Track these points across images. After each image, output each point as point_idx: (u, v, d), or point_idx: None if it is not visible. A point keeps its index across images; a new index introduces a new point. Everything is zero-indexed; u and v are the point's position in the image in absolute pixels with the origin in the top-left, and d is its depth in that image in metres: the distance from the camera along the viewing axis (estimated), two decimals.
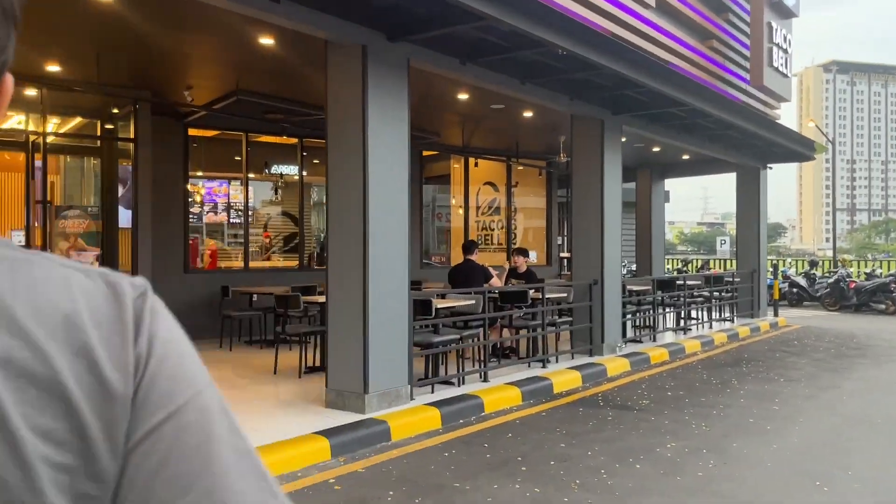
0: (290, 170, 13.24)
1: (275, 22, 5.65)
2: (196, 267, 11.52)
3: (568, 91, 8.83)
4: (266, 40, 7.00)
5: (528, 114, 10.95)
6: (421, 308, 6.85)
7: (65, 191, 10.71)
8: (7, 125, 9.87)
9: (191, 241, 12.14)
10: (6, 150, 9.47)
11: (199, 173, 13.42)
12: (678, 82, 8.83)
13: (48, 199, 8.11)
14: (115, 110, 6.90)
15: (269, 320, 10.56)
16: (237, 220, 18.01)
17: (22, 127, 8.85)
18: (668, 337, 11.85)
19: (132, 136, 9.06)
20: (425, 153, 14.43)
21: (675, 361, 10.16)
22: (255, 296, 10.63)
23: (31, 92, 8.40)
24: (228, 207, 17.27)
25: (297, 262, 12.82)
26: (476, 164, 15.36)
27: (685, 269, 25.95)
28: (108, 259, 9.89)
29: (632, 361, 9.53)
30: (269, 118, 10.64)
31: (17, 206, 9.67)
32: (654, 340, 11.25)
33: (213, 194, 17.20)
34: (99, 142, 10.30)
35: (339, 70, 6.38)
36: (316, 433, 5.51)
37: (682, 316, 12.74)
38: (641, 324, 12.00)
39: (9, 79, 0.60)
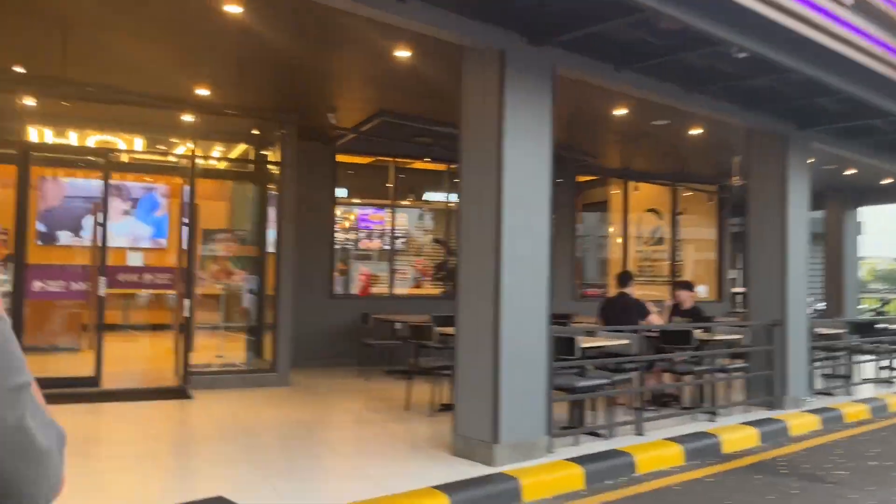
0: (439, 196, 12.88)
1: (402, 25, 5.15)
2: (343, 292, 11.35)
3: (743, 101, 7.65)
4: (403, 53, 6.56)
5: (695, 130, 9.78)
6: (564, 346, 6.00)
7: (215, 214, 10.99)
8: (162, 150, 10.26)
9: (340, 266, 12.08)
10: (163, 175, 9.84)
11: (356, 200, 13.48)
12: (887, 87, 7.36)
13: (196, 222, 8.16)
14: (256, 131, 6.82)
15: (409, 350, 10.11)
16: (389, 248, 17.99)
17: (180, 151, 9.14)
18: (867, 390, 10.01)
19: (279, 159, 9.01)
20: (581, 178, 13.53)
21: (878, 421, 8.46)
22: (397, 324, 10.24)
23: (186, 117, 8.60)
24: (382, 234, 17.32)
25: (443, 290, 12.33)
26: (637, 190, 14.21)
27: (884, 310, 22.78)
28: (255, 282, 9.92)
29: (822, 419, 8.00)
30: (416, 142, 10.30)
31: (173, 229, 10.01)
32: (850, 394, 9.52)
33: (367, 220, 17.33)
34: (250, 166, 10.45)
35: (474, 79, 5.77)
36: (435, 487, 4.81)
37: (885, 366, 10.79)
38: (833, 374, 10.27)
39: None
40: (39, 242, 14.23)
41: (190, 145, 8.67)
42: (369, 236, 17.41)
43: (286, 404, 7.85)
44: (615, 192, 14.33)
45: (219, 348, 9.72)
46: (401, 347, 9.98)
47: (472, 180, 5.78)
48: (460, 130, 5.88)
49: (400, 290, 12.12)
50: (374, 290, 13.27)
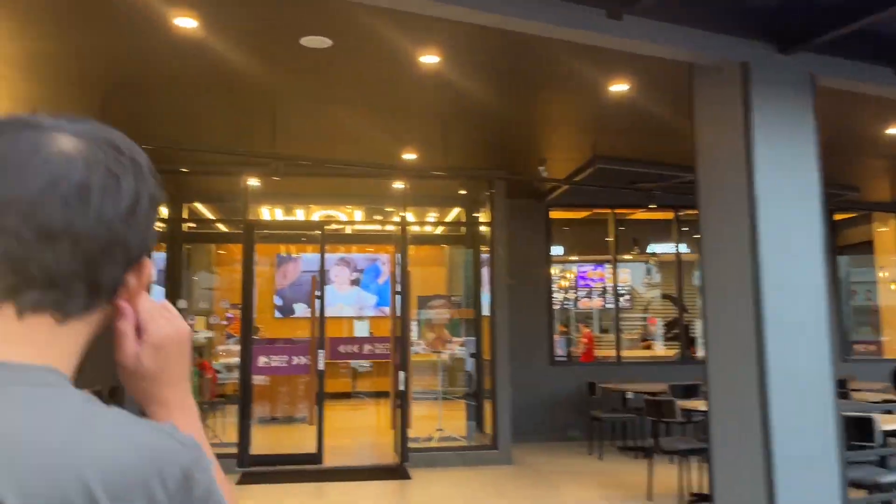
0: (666, 247, 11.66)
1: (616, 46, 4.37)
2: (565, 357, 10.51)
3: None
4: (619, 87, 5.77)
5: None
6: (856, 429, 4.63)
7: (429, 280, 10.78)
8: (376, 219, 10.27)
9: (560, 329, 11.27)
10: (378, 244, 9.78)
11: (573, 257, 12.73)
12: None
13: (407, 289, 7.86)
14: (464, 192, 6.40)
15: (644, 424, 8.94)
16: (613, 306, 16.81)
17: (394, 219, 9.04)
18: None
19: (489, 220, 8.53)
20: (837, 217, 11.57)
21: None
22: (628, 394, 9.16)
23: (396, 184, 8.48)
24: (604, 291, 16.25)
25: (678, 352, 10.98)
26: None
27: None
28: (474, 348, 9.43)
29: None
30: (637, 188, 9.34)
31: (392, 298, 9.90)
32: None
33: (585, 277, 16.37)
34: (461, 228, 10.11)
35: (709, 103, 4.80)
36: None
37: None
38: None
39: (148, 263, 0.71)
40: (278, 315, 15.15)
41: (401, 212, 8.50)
42: (589, 294, 16.40)
43: (511, 489, 7.08)
44: (882, 229, 12.08)
45: (437, 420, 9.28)
46: (635, 421, 8.84)
47: (715, 225, 4.75)
48: (696, 167, 4.91)
49: (628, 353, 11.01)
50: (598, 352, 12.28)
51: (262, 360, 7.83)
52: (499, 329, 8.41)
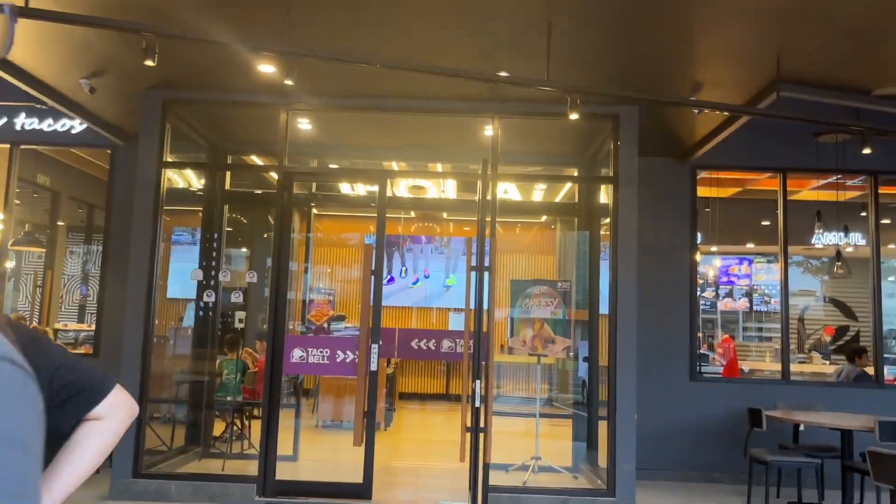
0: (832, 238, 8.77)
1: None
2: (710, 372, 7.97)
3: None
4: None
5: None
6: None
7: (529, 266, 8.54)
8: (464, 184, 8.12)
9: (719, 343, 8.74)
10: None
11: (730, 247, 10.18)
12: None
13: (491, 275, 5.64)
14: (574, 115, 4.11)
15: (831, 470, 6.35)
16: (762, 308, 13.87)
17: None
18: None
19: (611, 174, 6.16)
20: None
21: None
22: (801, 426, 6.57)
23: (485, 130, 6.30)
24: (751, 291, 13.36)
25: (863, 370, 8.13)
26: None
27: None
28: (590, 376, 7.11)
29: None
30: (847, 128, 6.67)
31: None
32: None
33: (729, 273, 13.49)
34: (574, 195, 7.74)
35: None
36: None
37: None
38: None
39: None
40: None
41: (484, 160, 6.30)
42: (730, 294, 13.58)
43: None
44: None
45: (534, 443, 7.02)
46: (816, 468, 6.21)
47: None
48: None
49: (798, 369, 8.31)
50: (753, 365, 9.60)
51: (296, 355, 5.88)
52: (623, 330, 6.03)
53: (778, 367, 9.79)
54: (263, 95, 6.00)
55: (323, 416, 8.10)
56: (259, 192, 8.15)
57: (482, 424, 5.19)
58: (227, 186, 7.51)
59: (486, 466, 5.35)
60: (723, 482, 7.13)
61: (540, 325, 6.94)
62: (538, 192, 9.32)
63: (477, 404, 5.16)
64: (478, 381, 5.17)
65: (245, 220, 8.93)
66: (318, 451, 7.28)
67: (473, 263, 5.31)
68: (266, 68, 5.06)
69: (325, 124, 6.61)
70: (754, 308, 13.24)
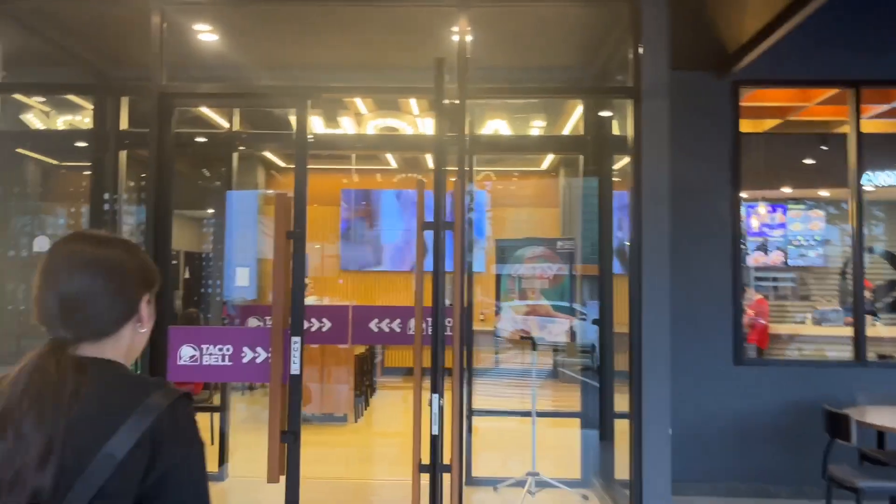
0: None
1: None
2: (757, 355, 6.24)
3: None
4: None
5: None
6: None
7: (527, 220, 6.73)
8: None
9: (750, 305, 7.01)
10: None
11: (743, 195, 8.33)
12: None
13: (460, 224, 3.85)
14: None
15: None
16: (799, 263, 12.09)
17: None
18: None
19: (630, 89, 4.28)
20: None
21: None
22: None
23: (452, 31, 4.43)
24: (786, 242, 11.59)
25: None
26: None
27: None
28: (603, 335, 5.36)
29: None
30: None
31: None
32: None
33: (761, 222, 11.69)
34: (579, 123, 5.89)
35: None
36: None
37: None
38: None
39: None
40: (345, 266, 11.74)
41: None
42: (762, 247, 11.84)
43: None
44: None
45: (530, 452, 5.33)
46: None
47: None
48: None
49: (843, 332, 6.59)
50: (792, 330, 7.94)
51: (185, 355, 4.13)
52: (648, 298, 4.23)
53: (823, 330, 8.14)
54: None
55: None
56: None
57: (446, 461, 3.45)
58: (125, 126, 5.67)
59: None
60: (779, 496, 5.44)
61: (535, 298, 5.17)
62: (535, 131, 7.48)
63: (435, 430, 3.40)
64: (436, 397, 3.40)
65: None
66: (252, 461, 5.60)
67: (429, 218, 3.50)
68: None
69: (226, 33, 4.74)
70: (790, 263, 11.52)
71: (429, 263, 3.61)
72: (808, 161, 9.36)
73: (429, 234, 3.45)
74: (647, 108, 4.13)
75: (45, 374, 1.08)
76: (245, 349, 4.12)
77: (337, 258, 11.99)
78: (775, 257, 11.91)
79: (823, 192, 10.92)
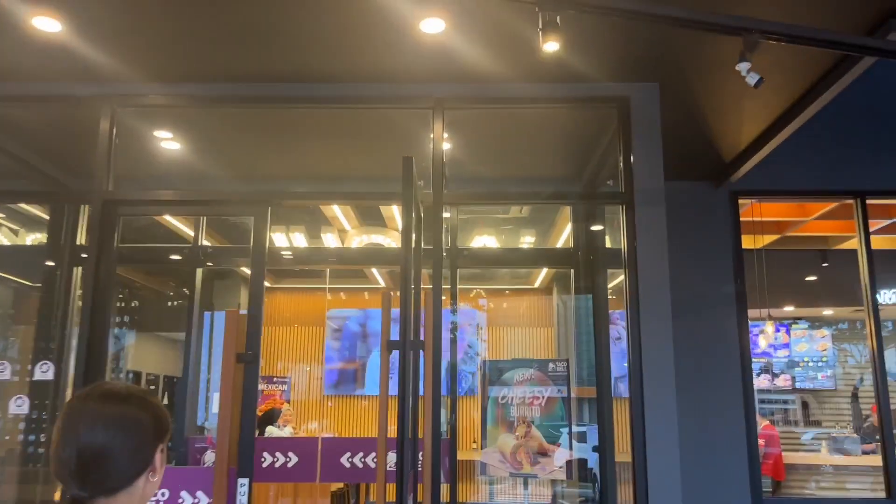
0: None
1: None
2: (774, 489, 5.56)
3: None
4: None
5: None
6: None
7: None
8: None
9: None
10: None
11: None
12: None
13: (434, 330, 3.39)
14: (551, 44, 2.12)
15: None
16: (807, 386, 11.68)
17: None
18: None
19: (624, 197, 3.91)
20: None
21: None
22: None
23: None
24: (790, 364, 11.18)
25: None
26: None
27: None
28: (602, 469, 4.73)
29: None
30: None
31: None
32: None
33: (767, 342, 11.24)
34: (567, 237, 5.52)
35: None
36: None
37: None
38: None
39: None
40: (330, 391, 11.14)
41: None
42: (766, 369, 11.40)
43: None
44: None
45: None
46: None
47: None
48: None
49: (862, 462, 5.95)
50: (804, 460, 7.29)
51: None
52: (652, 422, 3.67)
53: (840, 460, 7.49)
54: (76, 84, 3.85)
55: None
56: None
57: None
58: (81, 241, 5.27)
59: None
60: None
61: (526, 429, 4.59)
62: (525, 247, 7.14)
63: None
64: None
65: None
66: None
67: (394, 336, 3.02)
68: (45, 23, 2.95)
69: (187, 139, 4.44)
70: (797, 385, 10.94)
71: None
72: (811, 278, 8.99)
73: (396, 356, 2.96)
74: (642, 215, 3.75)
75: None
76: (184, 494, 3.50)
77: (321, 381, 11.37)
78: (782, 380, 11.31)
79: (827, 311, 10.45)
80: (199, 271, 5.23)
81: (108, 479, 1.20)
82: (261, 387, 11.83)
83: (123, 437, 1.21)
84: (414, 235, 2.82)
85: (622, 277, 4.08)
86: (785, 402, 10.39)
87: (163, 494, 3.49)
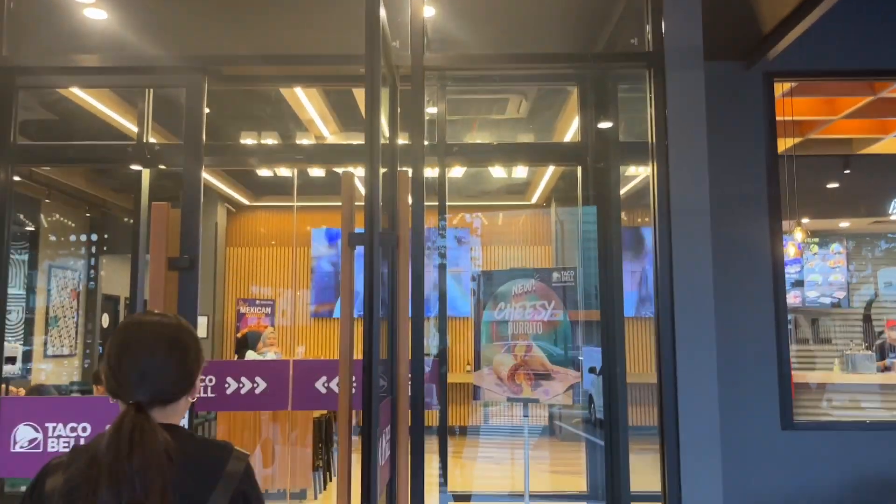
0: None
1: None
2: (808, 418, 4.98)
3: None
4: None
5: None
6: None
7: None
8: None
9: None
10: None
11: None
12: None
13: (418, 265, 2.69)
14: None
15: None
16: (820, 303, 11.08)
17: None
18: None
19: (651, 59, 3.14)
20: None
21: None
22: None
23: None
24: (799, 281, 10.61)
25: None
26: None
27: None
28: (611, 388, 4.11)
29: None
30: None
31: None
32: None
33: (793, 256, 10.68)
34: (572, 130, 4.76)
35: None
36: None
37: None
38: None
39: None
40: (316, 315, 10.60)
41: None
42: (798, 283, 10.86)
43: None
44: None
45: None
46: None
47: None
48: None
49: (843, 377, 5.48)
50: (818, 378, 6.77)
51: (23, 437, 2.88)
52: (682, 340, 3.03)
53: (857, 377, 7.06)
54: None
55: None
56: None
57: None
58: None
59: None
60: None
61: (525, 348, 3.95)
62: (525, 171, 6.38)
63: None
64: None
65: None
66: None
67: (357, 228, 2.30)
68: None
69: (114, 5, 3.59)
70: (807, 303, 10.42)
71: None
72: (833, 185, 8.28)
73: (360, 252, 2.25)
74: (674, 81, 2.98)
75: (143, 433, 1.25)
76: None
77: (307, 305, 10.79)
78: (793, 297, 10.77)
79: (844, 223, 9.79)
80: (146, 173, 4.47)
81: (164, 391, 1.36)
82: (243, 310, 11.24)
83: (179, 356, 1.39)
84: (383, 90, 2.07)
85: (638, 179, 3.36)
86: (795, 320, 9.91)
87: (84, 429, 2.84)
